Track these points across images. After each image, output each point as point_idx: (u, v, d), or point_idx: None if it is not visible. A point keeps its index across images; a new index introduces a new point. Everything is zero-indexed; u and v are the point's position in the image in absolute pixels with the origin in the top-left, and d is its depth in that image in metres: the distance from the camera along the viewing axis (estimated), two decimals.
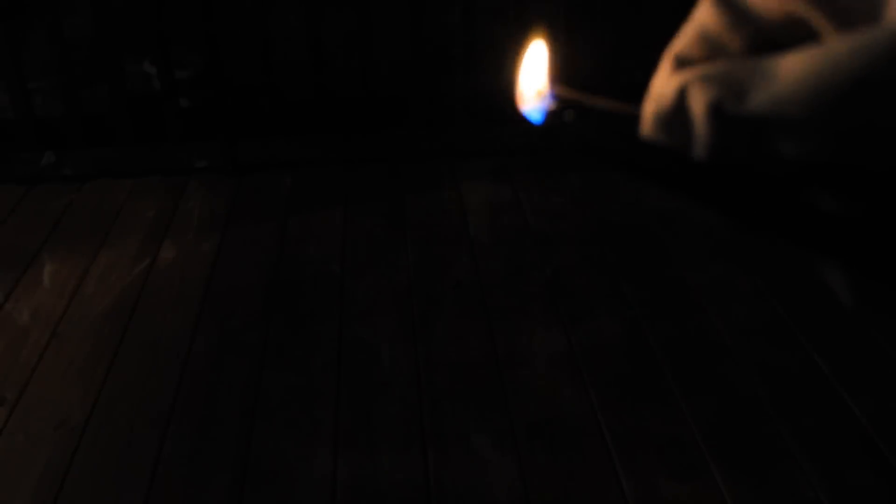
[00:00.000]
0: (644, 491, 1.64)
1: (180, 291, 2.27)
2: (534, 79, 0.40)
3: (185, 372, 1.97)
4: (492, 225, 2.55)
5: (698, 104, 0.32)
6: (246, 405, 1.87)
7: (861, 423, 1.77)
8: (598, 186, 2.74)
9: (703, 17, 0.35)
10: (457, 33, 2.90)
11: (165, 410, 1.86)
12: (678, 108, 0.33)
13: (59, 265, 2.39)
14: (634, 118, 0.36)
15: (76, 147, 2.93)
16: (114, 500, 1.67)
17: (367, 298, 2.23)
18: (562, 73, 0.41)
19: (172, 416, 1.84)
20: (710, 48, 0.35)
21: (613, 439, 1.75)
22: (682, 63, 0.35)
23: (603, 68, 2.83)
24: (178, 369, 1.98)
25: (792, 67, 0.30)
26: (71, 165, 2.90)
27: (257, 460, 1.73)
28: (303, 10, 2.83)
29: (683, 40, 0.36)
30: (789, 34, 0.33)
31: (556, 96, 0.40)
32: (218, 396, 1.91)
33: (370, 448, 1.75)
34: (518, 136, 2.99)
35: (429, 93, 3.00)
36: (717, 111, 0.31)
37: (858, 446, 1.72)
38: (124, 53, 2.93)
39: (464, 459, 1.72)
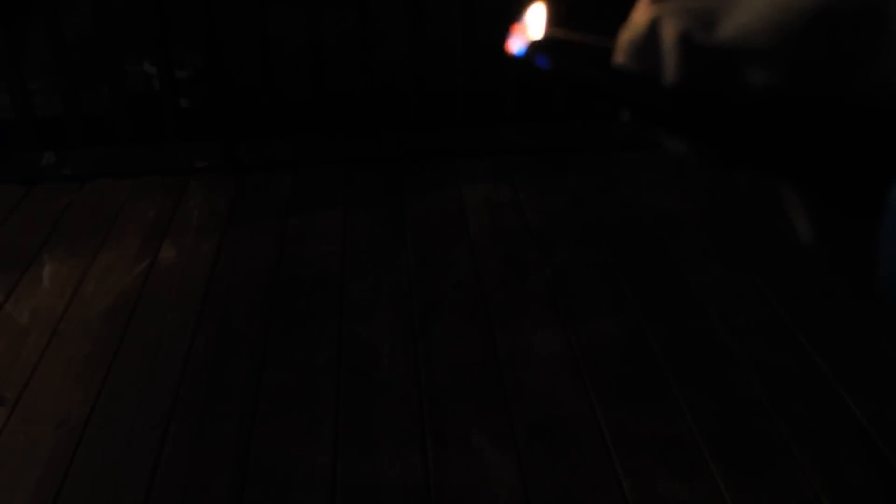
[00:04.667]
0: (644, 491, 1.64)
1: (180, 291, 2.27)
2: (524, 19, 0.42)
3: (185, 372, 1.97)
4: (492, 225, 2.55)
5: (668, 34, 0.33)
6: (246, 405, 1.87)
7: (861, 423, 1.77)
8: (597, 186, 2.74)
9: None
10: (456, 32, 2.90)
11: (165, 410, 1.86)
12: (650, 38, 0.34)
13: (59, 265, 2.39)
14: (610, 50, 0.37)
15: (76, 147, 2.93)
16: (114, 500, 1.67)
17: (367, 298, 2.22)
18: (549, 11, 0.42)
19: (172, 416, 1.84)
20: None
21: (613, 439, 1.75)
22: None
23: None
24: (178, 369, 1.98)
25: (760, 0, 0.30)
26: (71, 165, 2.90)
27: (257, 460, 1.73)
28: (303, 10, 2.83)
29: None
30: None
31: (537, 31, 0.41)
32: (218, 396, 1.91)
33: (370, 448, 1.75)
34: (518, 136, 3.00)
35: (429, 92, 3.00)
36: (685, 40, 0.32)
37: (858, 446, 1.72)
38: (124, 53, 2.93)
39: (464, 459, 1.72)
